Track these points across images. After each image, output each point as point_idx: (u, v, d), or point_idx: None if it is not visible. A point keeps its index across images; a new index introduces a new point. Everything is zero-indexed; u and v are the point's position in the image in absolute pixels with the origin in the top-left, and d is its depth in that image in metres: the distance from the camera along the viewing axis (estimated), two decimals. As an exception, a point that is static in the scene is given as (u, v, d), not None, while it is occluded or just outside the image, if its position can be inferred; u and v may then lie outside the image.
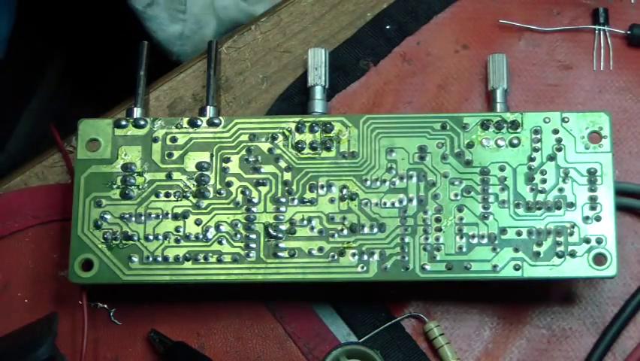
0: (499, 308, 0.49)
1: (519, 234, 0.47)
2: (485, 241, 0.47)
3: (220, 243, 0.47)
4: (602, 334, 0.49)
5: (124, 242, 0.47)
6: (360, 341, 0.49)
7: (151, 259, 0.47)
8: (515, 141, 0.47)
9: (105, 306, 0.49)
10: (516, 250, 0.46)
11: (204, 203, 0.47)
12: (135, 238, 0.47)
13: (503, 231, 0.47)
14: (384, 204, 0.47)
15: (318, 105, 0.49)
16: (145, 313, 0.49)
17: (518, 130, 0.47)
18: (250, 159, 0.48)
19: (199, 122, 0.48)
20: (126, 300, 0.49)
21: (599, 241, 0.46)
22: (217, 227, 0.47)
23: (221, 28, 0.62)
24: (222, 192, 0.48)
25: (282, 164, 0.48)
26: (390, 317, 0.49)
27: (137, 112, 0.49)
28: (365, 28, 0.52)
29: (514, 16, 0.52)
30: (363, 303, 0.49)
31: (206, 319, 0.49)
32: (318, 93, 0.50)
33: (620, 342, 0.49)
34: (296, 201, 0.47)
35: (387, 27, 0.52)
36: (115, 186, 0.48)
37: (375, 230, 0.47)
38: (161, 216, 0.47)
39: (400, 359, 0.49)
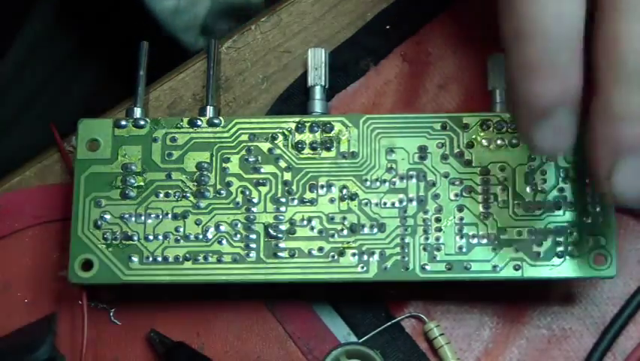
0: (499, 308, 0.49)
1: (519, 234, 0.47)
2: (485, 241, 0.47)
3: (220, 243, 0.47)
4: (602, 334, 0.49)
5: (124, 242, 0.47)
6: (360, 341, 0.49)
7: (151, 259, 0.47)
8: (515, 141, 0.47)
9: (105, 306, 0.50)
10: (516, 250, 0.46)
11: (204, 203, 0.47)
12: (135, 238, 0.47)
13: (503, 231, 0.47)
14: (384, 204, 0.47)
15: (318, 105, 0.49)
16: (145, 313, 0.49)
17: (518, 130, 0.47)
18: (250, 159, 0.48)
19: (199, 122, 0.48)
20: (126, 300, 0.49)
21: (598, 242, 0.46)
22: (217, 227, 0.47)
23: (215, 5, 0.62)
24: (222, 192, 0.48)
25: (282, 164, 0.48)
26: (390, 317, 0.49)
27: (137, 112, 0.49)
28: (365, 28, 0.52)
29: (514, 16, 0.52)
30: (363, 303, 0.49)
31: (206, 319, 0.49)
32: (318, 93, 0.50)
33: (620, 342, 0.49)
34: (296, 202, 0.47)
35: (387, 27, 0.52)
36: (115, 186, 0.48)
37: (375, 230, 0.47)
38: (160, 216, 0.47)
39: (399, 359, 0.49)
